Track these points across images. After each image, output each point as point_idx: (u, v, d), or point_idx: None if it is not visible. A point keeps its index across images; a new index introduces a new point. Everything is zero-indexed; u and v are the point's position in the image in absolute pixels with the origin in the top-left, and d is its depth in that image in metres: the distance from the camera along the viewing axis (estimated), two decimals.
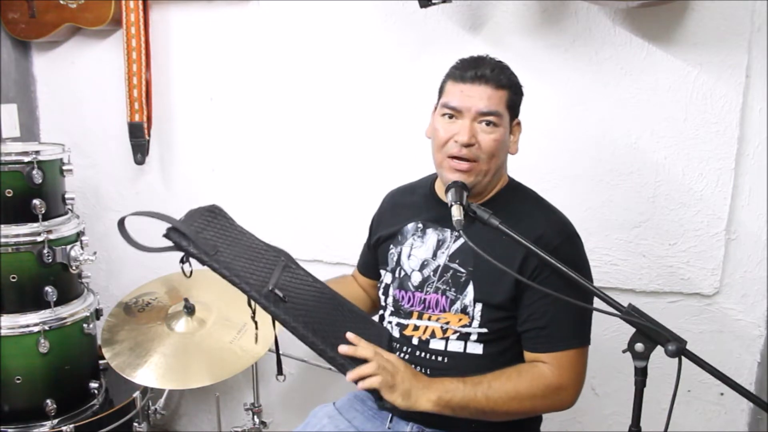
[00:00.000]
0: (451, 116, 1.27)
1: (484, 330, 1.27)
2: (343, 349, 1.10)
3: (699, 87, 1.69)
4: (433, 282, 1.32)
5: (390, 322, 1.39)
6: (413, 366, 1.26)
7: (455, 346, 1.29)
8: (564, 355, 1.24)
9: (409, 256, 1.38)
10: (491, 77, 1.25)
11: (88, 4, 2.10)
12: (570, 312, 1.24)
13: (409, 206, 1.44)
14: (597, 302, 1.05)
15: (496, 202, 1.31)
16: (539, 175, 1.76)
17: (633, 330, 1.02)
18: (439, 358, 1.30)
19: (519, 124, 1.32)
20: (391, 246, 1.43)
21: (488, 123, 1.24)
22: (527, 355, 1.27)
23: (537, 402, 1.22)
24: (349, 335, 1.13)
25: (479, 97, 1.24)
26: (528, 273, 1.23)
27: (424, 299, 1.33)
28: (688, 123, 1.71)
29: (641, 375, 1.03)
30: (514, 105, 1.29)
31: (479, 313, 1.27)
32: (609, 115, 1.77)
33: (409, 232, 1.40)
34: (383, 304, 1.43)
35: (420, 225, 1.39)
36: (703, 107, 1.69)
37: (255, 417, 1.99)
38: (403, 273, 1.38)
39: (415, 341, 1.32)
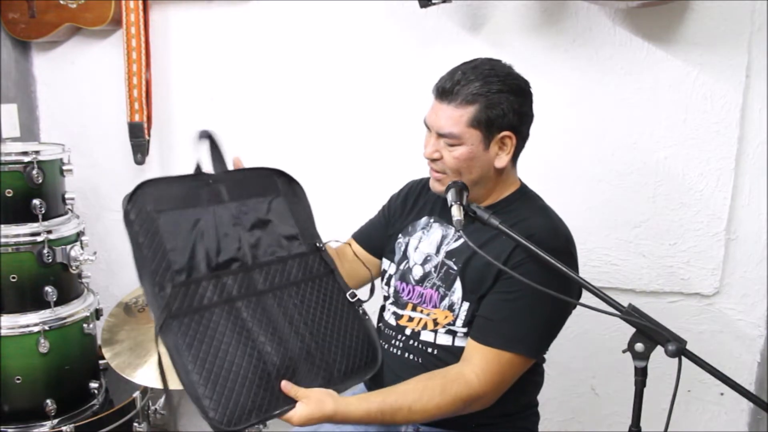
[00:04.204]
0: (428, 129, 1.30)
1: (467, 329, 1.27)
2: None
3: (699, 87, 1.69)
4: (432, 278, 1.34)
5: (389, 310, 1.42)
6: (406, 354, 1.34)
7: (444, 339, 1.30)
8: (494, 355, 1.20)
9: (416, 248, 1.39)
10: (452, 95, 1.22)
11: (88, 4, 2.10)
12: (529, 320, 1.21)
13: (426, 201, 1.44)
14: (597, 302, 1.05)
15: (499, 207, 1.31)
16: (539, 175, 1.76)
17: (633, 330, 1.02)
18: (429, 350, 1.32)
19: (512, 137, 1.24)
20: (400, 235, 1.44)
21: (448, 142, 1.25)
22: (468, 343, 1.25)
23: (456, 413, 1.21)
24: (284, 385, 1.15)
25: (440, 116, 1.25)
26: (509, 264, 1.22)
27: (422, 293, 1.35)
28: (688, 123, 1.71)
29: (641, 375, 1.03)
30: (484, 120, 1.21)
31: (464, 312, 1.27)
32: (609, 115, 1.77)
33: (420, 225, 1.42)
34: (386, 294, 1.45)
35: (431, 220, 1.40)
36: (703, 107, 1.69)
37: None
38: (407, 266, 1.39)
39: (408, 332, 1.35)
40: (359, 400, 1.17)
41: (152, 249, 1.12)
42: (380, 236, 1.50)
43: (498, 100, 1.21)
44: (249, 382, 1.11)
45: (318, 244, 1.35)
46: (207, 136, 1.29)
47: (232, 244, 1.22)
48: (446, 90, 1.23)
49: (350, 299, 1.34)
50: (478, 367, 1.20)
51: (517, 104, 1.23)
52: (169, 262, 1.13)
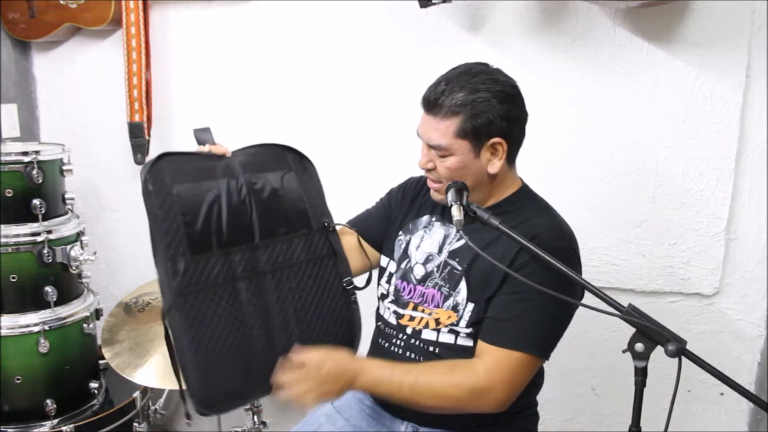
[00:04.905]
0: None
1: (470, 330, 1.27)
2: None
3: (699, 87, 1.69)
4: (435, 277, 1.34)
5: (388, 308, 1.41)
6: (408, 353, 1.33)
7: (446, 338, 1.30)
8: (505, 354, 1.20)
9: (417, 247, 1.39)
10: (437, 106, 1.22)
11: (88, 4, 2.10)
12: (536, 319, 1.21)
13: (427, 199, 1.44)
14: (597, 302, 1.05)
15: (501, 207, 1.31)
16: (539, 176, 1.76)
17: (633, 330, 1.02)
18: (431, 348, 1.32)
19: (502, 143, 1.23)
20: (401, 232, 1.43)
21: (438, 153, 1.25)
22: (478, 345, 1.26)
23: (461, 403, 1.21)
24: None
25: (428, 128, 1.25)
26: (515, 265, 1.22)
27: (424, 293, 1.35)
28: (688, 123, 1.71)
29: (641, 375, 1.03)
30: (471, 130, 1.21)
31: (468, 314, 1.27)
32: (609, 115, 1.77)
33: (421, 223, 1.41)
34: (384, 291, 1.44)
35: (433, 219, 1.40)
36: (703, 107, 1.69)
37: (255, 417, 1.99)
38: (408, 264, 1.39)
39: (409, 330, 1.35)
40: (372, 360, 1.23)
41: (168, 221, 1.12)
42: (380, 227, 1.49)
43: (483, 109, 1.20)
44: (234, 368, 1.14)
45: (326, 223, 1.34)
46: (205, 133, 1.30)
47: (242, 218, 1.21)
48: (431, 102, 1.23)
49: (345, 286, 1.33)
50: (488, 363, 1.21)
51: (504, 110, 1.22)
52: (184, 235, 1.13)
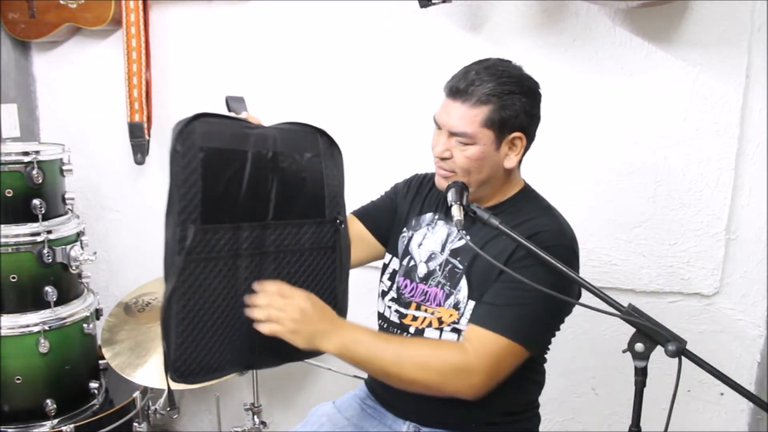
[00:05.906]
0: (438, 127, 1.30)
1: None
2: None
3: (699, 87, 1.69)
4: (437, 276, 1.34)
5: (389, 307, 1.40)
6: None
7: (448, 336, 1.30)
8: (493, 339, 1.19)
9: (420, 245, 1.39)
10: (466, 94, 1.22)
11: (88, 4, 2.10)
12: (529, 310, 1.21)
13: (431, 197, 1.44)
14: (597, 302, 1.05)
15: (504, 207, 1.31)
16: (539, 175, 1.76)
17: (633, 330, 1.02)
18: None
19: (522, 138, 1.25)
20: (404, 229, 1.43)
21: (461, 141, 1.25)
22: (467, 327, 1.25)
23: (443, 378, 1.19)
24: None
25: (453, 115, 1.24)
26: (513, 258, 1.22)
27: (426, 291, 1.34)
28: (688, 123, 1.71)
29: (641, 375, 1.03)
30: (497, 121, 1.22)
31: (469, 311, 1.27)
32: (609, 115, 1.77)
33: (425, 221, 1.41)
34: (385, 288, 1.43)
35: (436, 217, 1.40)
36: (703, 107, 1.69)
37: (255, 417, 1.99)
38: (411, 262, 1.39)
39: (412, 330, 1.35)
40: (353, 327, 1.21)
41: (188, 186, 1.10)
42: (387, 220, 1.48)
43: (511, 101, 1.22)
44: (215, 343, 1.14)
45: (337, 219, 1.31)
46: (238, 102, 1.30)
47: (261, 193, 1.19)
48: (460, 90, 1.23)
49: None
50: (476, 345, 1.20)
51: (529, 105, 1.24)
52: (199, 202, 1.11)
